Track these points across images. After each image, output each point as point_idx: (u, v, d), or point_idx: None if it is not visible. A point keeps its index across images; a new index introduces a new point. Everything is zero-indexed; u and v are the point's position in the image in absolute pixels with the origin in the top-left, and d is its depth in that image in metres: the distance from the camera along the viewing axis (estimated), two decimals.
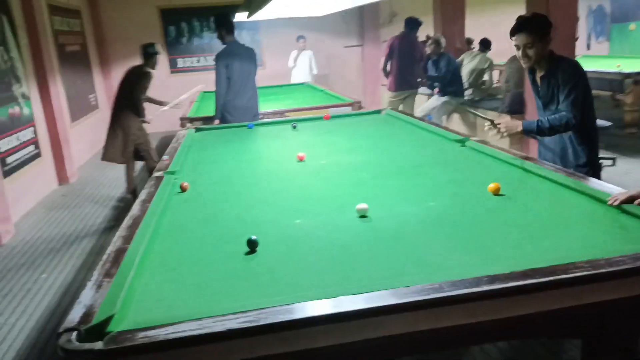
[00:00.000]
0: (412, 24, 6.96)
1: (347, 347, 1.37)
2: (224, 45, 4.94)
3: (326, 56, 10.36)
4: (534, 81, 2.86)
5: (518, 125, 2.61)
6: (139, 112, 5.26)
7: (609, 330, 1.57)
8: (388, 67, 6.97)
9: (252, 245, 1.86)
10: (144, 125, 5.41)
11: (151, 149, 5.42)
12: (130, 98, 5.22)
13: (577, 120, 2.57)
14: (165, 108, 5.59)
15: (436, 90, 6.81)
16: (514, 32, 2.67)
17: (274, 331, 1.32)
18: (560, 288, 1.44)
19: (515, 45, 2.71)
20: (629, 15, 11.40)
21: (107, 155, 5.30)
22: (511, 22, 2.71)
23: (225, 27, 4.95)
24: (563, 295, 1.45)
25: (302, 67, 9.13)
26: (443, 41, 6.49)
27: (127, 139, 5.24)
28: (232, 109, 4.94)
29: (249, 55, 5.04)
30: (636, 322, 1.61)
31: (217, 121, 4.91)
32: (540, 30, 2.62)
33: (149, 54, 5.31)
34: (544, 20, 2.66)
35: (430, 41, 6.57)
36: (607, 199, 2.01)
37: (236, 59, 4.89)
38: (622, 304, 1.52)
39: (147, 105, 5.41)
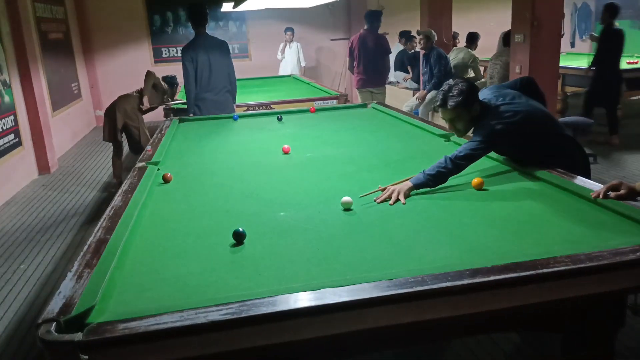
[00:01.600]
0: (372, 17, 6.69)
1: (330, 339, 1.37)
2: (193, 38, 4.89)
3: (313, 49, 10.33)
4: None
5: (407, 184, 2.33)
6: (141, 102, 5.49)
7: (588, 325, 1.59)
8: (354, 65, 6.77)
9: (239, 237, 1.85)
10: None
11: (143, 134, 5.41)
12: (140, 94, 5.53)
13: (460, 164, 2.38)
14: (171, 103, 5.75)
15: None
16: (438, 107, 2.52)
17: (257, 323, 1.31)
18: (541, 282, 1.45)
19: (442, 119, 2.57)
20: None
21: (102, 134, 5.56)
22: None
23: (195, 18, 4.85)
24: (544, 289, 1.46)
25: (290, 59, 9.12)
26: (433, 35, 6.49)
27: (113, 117, 5.35)
28: (200, 103, 4.87)
29: (219, 48, 4.90)
30: (614, 317, 1.64)
31: (191, 115, 4.86)
32: (464, 103, 2.41)
33: (169, 84, 5.78)
34: (465, 91, 2.41)
35: (420, 37, 6.56)
36: (589, 194, 2.04)
37: (202, 52, 4.78)
38: (601, 299, 1.54)
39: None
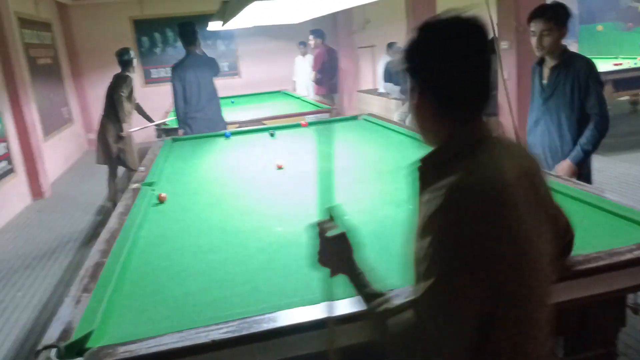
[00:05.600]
0: (323, 34, 8.23)
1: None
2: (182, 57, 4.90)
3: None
4: (540, 73, 2.88)
5: (570, 165, 2.65)
6: (118, 116, 5.29)
7: (590, 326, 1.59)
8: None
9: None
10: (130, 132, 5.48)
11: (130, 155, 5.38)
12: (111, 102, 5.33)
13: (608, 119, 2.61)
14: (150, 125, 5.67)
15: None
16: (531, 17, 2.68)
17: (258, 340, 1.31)
18: None
19: (532, 32, 2.71)
20: (596, 17, 11.66)
21: (96, 157, 5.46)
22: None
23: (185, 37, 4.88)
24: None
25: (304, 72, 9.20)
26: None
27: (105, 141, 5.32)
28: (191, 121, 4.86)
29: (207, 66, 4.92)
30: (615, 317, 1.64)
31: (181, 132, 4.85)
32: (559, 18, 2.62)
33: (124, 62, 5.41)
34: (563, 9, 2.66)
35: None
36: (581, 197, 2.05)
37: (190, 71, 4.78)
38: (601, 300, 1.55)
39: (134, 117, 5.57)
